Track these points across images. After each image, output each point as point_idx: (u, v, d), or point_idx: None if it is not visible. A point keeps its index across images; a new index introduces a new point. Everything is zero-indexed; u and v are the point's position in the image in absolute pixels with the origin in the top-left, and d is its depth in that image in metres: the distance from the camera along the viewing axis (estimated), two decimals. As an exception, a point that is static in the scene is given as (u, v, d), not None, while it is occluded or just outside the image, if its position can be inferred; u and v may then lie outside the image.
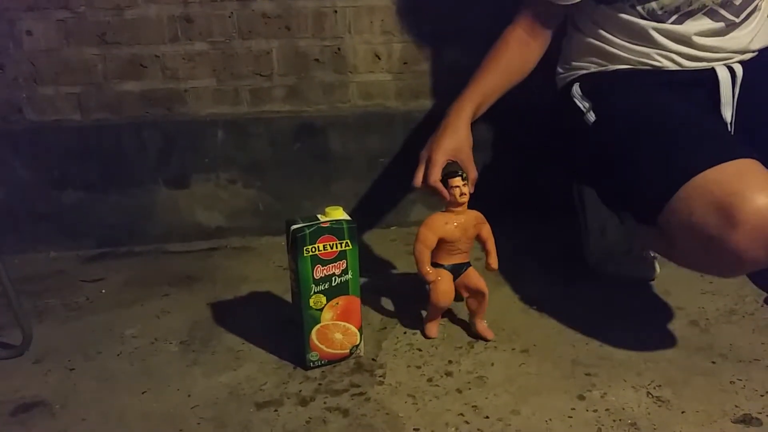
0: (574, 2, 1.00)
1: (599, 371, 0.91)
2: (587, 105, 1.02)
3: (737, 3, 0.97)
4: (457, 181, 0.95)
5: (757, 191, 0.76)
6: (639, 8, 0.98)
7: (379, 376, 0.92)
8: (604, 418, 0.82)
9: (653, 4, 0.97)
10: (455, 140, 0.99)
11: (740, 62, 1.02)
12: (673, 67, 1.01)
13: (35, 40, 1.29)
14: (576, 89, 1.05)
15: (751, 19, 1.00)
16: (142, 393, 0.90)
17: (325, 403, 0.87)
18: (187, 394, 0.89)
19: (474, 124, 1.04)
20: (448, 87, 1.37)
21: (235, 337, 1.03)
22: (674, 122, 0.92)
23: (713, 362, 0.93)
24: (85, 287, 1.21)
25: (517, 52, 1.06)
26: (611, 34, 1.03)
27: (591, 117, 1.00)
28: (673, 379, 0.89)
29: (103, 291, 1.20)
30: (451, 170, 0.96)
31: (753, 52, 1.03)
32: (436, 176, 0.96)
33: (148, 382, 0.92)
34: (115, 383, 0.93)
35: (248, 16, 1.32)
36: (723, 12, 0.98)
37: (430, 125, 1.37)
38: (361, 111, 1.39)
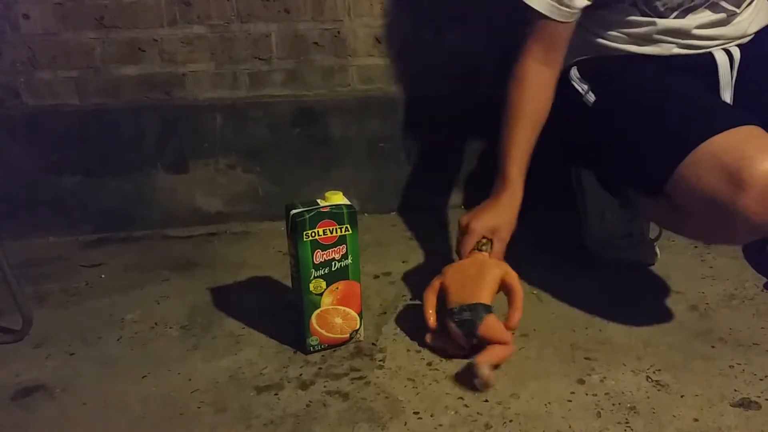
0: (575, 18, 0.97)
1: (598, 355, 0.91)
2: (585, 87, 1.02)
3: None
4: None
5: (764, 154, 0.78)
6: (642, 6, 0.98)
7: (379, 360, 0.92)
8: (603, 401, 0.82)
9: (657, 3, 0.97)
10: (498, 220, 0.99)
11: (738, 45, 1.02)
12: (672, 53, 1.01)
13: (32, 23, 1.28)
14: (574, 72, 1.04)
15: (751, 5, 1.00)
16: (143, 377, 0.90)
17: (325, 386, 0.87)
18: (187, 379, 0.90)
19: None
20: (449, 71, 1.37)
21: (235, 321, 1.03)
22: (677, 96, 0.93)
23: (713, 347, 0.93)
24: (85, 272, 1.21)
25: (539, 92, 1.00)
26: (610, 31, 1.03)
27: (591, 97, 1.00)
28: (672, 363, 0.89)
29: (103, 276, 1.20)
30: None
31: (750, 35, 1.03)
32: (467, 248, 0.98)
33: (149, 366, 0.93)
34: (115, 368, 0.93)
35: (247, -1, 1.31)
36: (724, 4, 0.98)
37: (430, 109, 1.38)
38: (361, 95, 1.38)
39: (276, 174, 1.39)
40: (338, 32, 1.35)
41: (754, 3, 1.01)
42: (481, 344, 0.89)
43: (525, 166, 1.01)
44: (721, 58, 1.00)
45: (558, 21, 0.95)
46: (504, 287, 0.94)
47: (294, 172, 1.39)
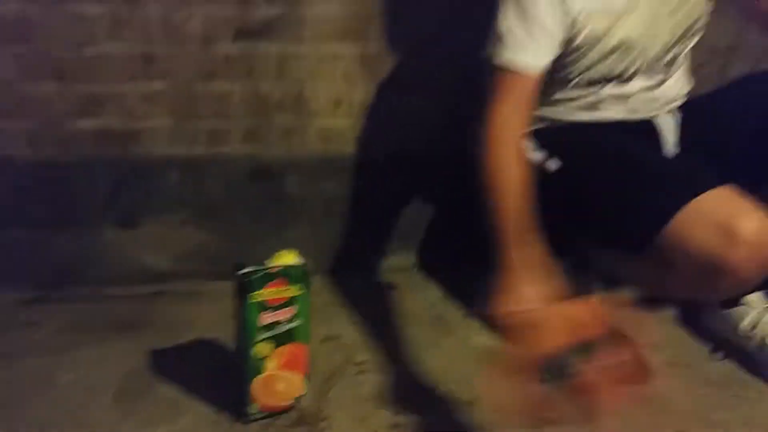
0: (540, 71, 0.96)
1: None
2: (542, 155, 1.04)
3: (667, 59, 1.04)
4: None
5: (751, 212, 0.83)
6: (581, 78, 1.03)
7: (322, 429, 0.89)
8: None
9: (597, 72, 1.02)
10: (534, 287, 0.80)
11: (675, 110, 1.10)
12: (618, 118, 1.06)
13: (-10, 72, 1.27)
14: (526, 143, 1.06)
15: (678, 71, 1.09)
16: (71, 445, 0.85)
17: (264, 458, 0.83)
18: (117, 448, 0.85)
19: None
20: (408, 134, 1.39)
21: (174, 387, 0.98)
22: (647, 157, 0.98)
23: (653, 415, 0.93)
24: (19, 332, 1.15)
25: (517, 162, 0.92)
26: (557, 102, 1.07)
27: (552, 165, 1.02)
28: (616, 433, 0.87)
29: (38, 336, 1.14)
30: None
31: (681, 98, 1.11)
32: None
33: (79, 433, 0.88)
34: (43, 434, 0.88)
35: (211, 57, 1.31)
36: (657, 69, 1.05)
37: (388, 171, 1.39)
38: (319, 155, 1.38)
39: (230, 231, 1.36)
40: (300, 93, 1.36)
41: (681, 69, 1.09)
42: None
43: (530, 234, 0.87)
44: (661, 122, 1.08)
45: (526, 74, 0.95)
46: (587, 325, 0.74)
47: (249, 231, 1.37)
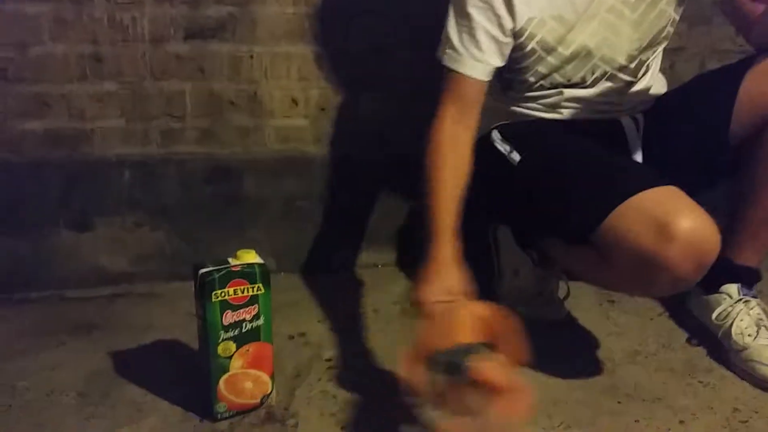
0: (488, 77, 1.00)
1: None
2: (508, 147, 1.06)
3: (632, 66, 1.06)
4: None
5: (688, 212, 0.84)
6: (543, 82, 1.06)
7: (291, 426, 0.89)
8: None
9: (557, 78, 1.05)
10: (450, 280, 0.89)
11: (642, 111, 1.12)
12: (581, 118, 1.09)
13: (-72, 72, 1.22)
14: (495, 134, 1.09)
15: (646, 75, 1.10)
16: (32, 451, 0.83)
17: (233, 455, 0.83)
18: (82, 451, 0.83)
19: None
20: (365, 133, 1.40)
21: (137, 388, 0.97)
22: (600, 154, 0.99)
23: (619, 402, 0.96)
24: (-28, 337, 1.12)
25: (457, 157, 0.98)
26: (522, 101, 1.10)
27: (515, 156, 1.05)
28: (581, 419, 0.91)
29: (-7, 341, 1.11)
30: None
31: (650, 101, 1.13)
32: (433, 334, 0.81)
33: (41, 437, 0.86)
34: (3, 440, 0.85)
35: (161, 56, 1.30)
36: (621, 75, 1.07)
37: (348, 170, 1.40)
38: (277, 155, 1.38)
39: (187, 232, 1.35)
40: (255, 93, 1.35)
41: (650, 73, 1.10)
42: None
43: (455, 232, 0.94)
44: (627, 123, 1.11)
45: (472, 77, 0.98)
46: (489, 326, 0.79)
47: (206, 232, 1.35)
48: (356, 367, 1.04)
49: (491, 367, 0.73)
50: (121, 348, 1.08)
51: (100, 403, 0.93)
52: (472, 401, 0.72)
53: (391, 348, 1.09)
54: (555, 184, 0.99)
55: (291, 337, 1.12)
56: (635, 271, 0.88)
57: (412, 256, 1.42)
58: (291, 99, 1.37)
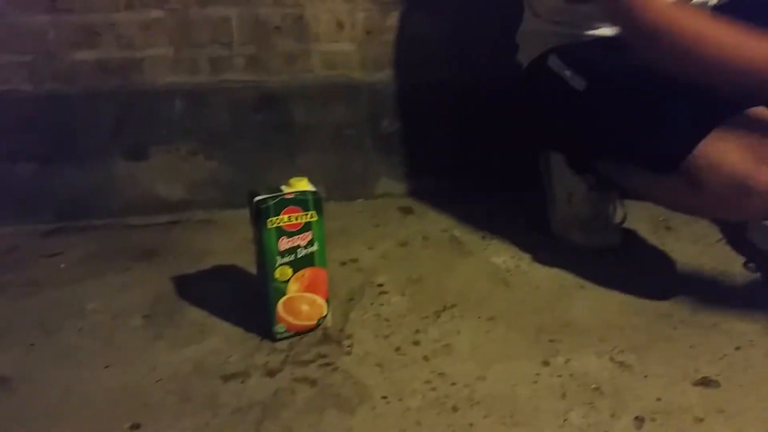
0: None
1: (563, 338, 0.93)
2: (569, 72, 1.03)
3: None
4: None
5: None
6: None
7: (347, 347, 0.92)
8: (568, 383, 0.83)
9: None
10: None
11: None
12: None
13: (-20, 4, 1.23)
14: (552, 60, 1.05)
15: None
16: (105, 368, 0.88)
17: (292, 374, 0.86)
18: (151, 368, 0.88)
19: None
20: (412, 57, 1.37)
21: (200, 310, 1.01)
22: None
23: (674, 328, 0.95)
24: (44, 262, 1.17)
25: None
26: (585, 16, 1.04)
27: (580, 82, 1.01)
28: (635, 344, 0.91)
29: (63, 266, 1.16)
30: None
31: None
32: None
33: (111, 356, 0.90)
34: (76, 358, 0.90)
35: (206, -18, 1.28)
36: None
37: (394, 96, 1.38)
38: (324, 81, 1.37)
39: (238, 161, 1.37)
40: (300, 17, 1.33)
41: None
42: None
43: None
44: None
45: None
46: None
47: (257, 159, 1.37)
48: (407, 291, 1.05)
49: None
50: (182, 273, 1.12)
51: (165, 325, 0.98)
52: None
53: (441, 274, 1.10)
54: (633, 110, 0.95)
55: (343, 263, 1.14)
56: (726, 197, 0.87)
57: (461, 183, 1.43)
58: (337, 22, 1.34)
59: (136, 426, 0.78)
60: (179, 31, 1.30)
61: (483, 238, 1.22)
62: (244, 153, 1.36)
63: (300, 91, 1.36)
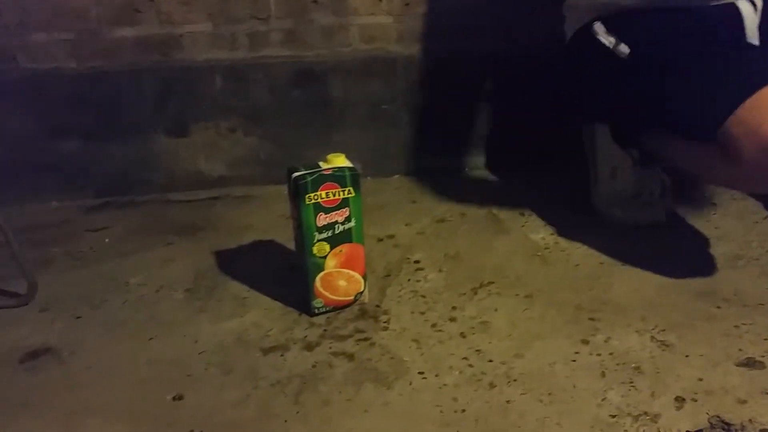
0: None
1: (603, 316, 0.91)
2: (614, 40, 1.01)
3: None
4: None
5: None
6: None
7: (384, 322, 0.93)
8: (607, 361, 0.82)
9: None
10: None
11: None
12: (696, 3, 1.01)
13: (24, -17, 1.26)
14: (598, 27, 1.03)
15: None
16: (149, 339, 0.91)
17: (330, 348, 0.88)
18: (194, 341, 0.90)
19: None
20: (450, 30, 1.35)
21: (240, 284, 1.03)
22: (722, 44, 0.94)
23: (718, 307, 0.93)
24: (89, 236, 1.21)
25: None
26: None
27: (624, 49, 0.99)
28: (677, 323, 0.89)
29: (107, 240, 1.20)
30: None
31: None
32: None
33: (155, 329, 0.93)
34: (121, 330, 0.94)
35: (244, -44, 1.28)
36: None
37: (433, 69, 1.36)
38: (362, 55, 1.36)
39: (277, 137, 1.37)
40: (338, -10, 1.32)
41: None
42: None
43: None
44: (745, 8, 1.01)
45: None
46: None
47: (295, 135, 1.37)
48: (444, 268, 1.05)
49: None
50: (223, 247, 1.14)
51: (206, 298, 1.00)
52: None
53: (478, 250, 1.09)
54: (674, 78, 0.93)
55: (380, 240, 1.15)
56: (762, 167, 0.84)
57: (499, 158, 1.42)
58: (376, -6, 1.33)
59: (180, 397, 0.80)
60: (217, 6, 1.31)
61: (521, 214, 1.21)
62: (282, 129, 1.37)
63: (337, 66, 1.36)
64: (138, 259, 1.12)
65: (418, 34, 1.35)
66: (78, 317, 0.97)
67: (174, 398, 0.80)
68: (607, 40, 1.01)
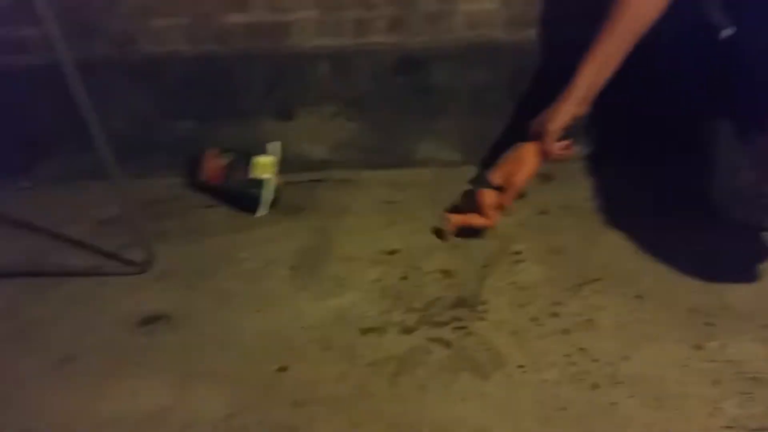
0: None
1: (719, 321, 0.86)
2: (723, 22, 0.96)
3: None
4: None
5: None
6: None
7: (481, 312, 0.92)
8: (722, 369, 0.78)
9: None
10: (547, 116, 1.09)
11: None
12: None
13: (147, -28, 1.32)
14: (715, 16, 0.96)
15: None
16: (256, 311, 0.95)
17: (427, 333, 0.88)
18: (297, 316, 0.93)
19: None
20: (557, 15, 1.30)
21: (340, 265, 1.05)
22: None
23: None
24: (201, 212, 1.27)
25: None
26: None
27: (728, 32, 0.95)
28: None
29: (217, 217, 1.25)
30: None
31: None
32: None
33: (261, 302, 0.97)
34: (230, 301, 0.98)
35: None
36: None
37: (538, 57, 1.32)
38: (466, 42, 1.34)
39: (378, 123, 1.38)
40: (445, -25, 1.30)
41: None
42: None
43: (599, 80, 1.07)
44: None
45: None
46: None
47: (396, 121, 1.37)
48: (546, 261, 1.03)
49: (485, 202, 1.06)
50: (325, 228, 1.17)
51: (309, 276, 1.03)
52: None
53: (583, 245, 1.06)
54: None
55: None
56: None
57: (606, 149, 1.36)
58: (483, -21, 1.30)
59: (284, 368, 0.83)
60: (325, -7, 1.33)
61: (629, 208, 1.16)
62: (383, 115, 1.38)
63: (441, 53, 1.34)
64: (246, 235, 1.17)
65: (524, 21, 1.31)
66: (190, 287, 1.02)
67: (278, 369, 0.83)
68: (720, 26, 0.95)
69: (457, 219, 1.09)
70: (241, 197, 1.24)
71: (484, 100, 1.36)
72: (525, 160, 1.07)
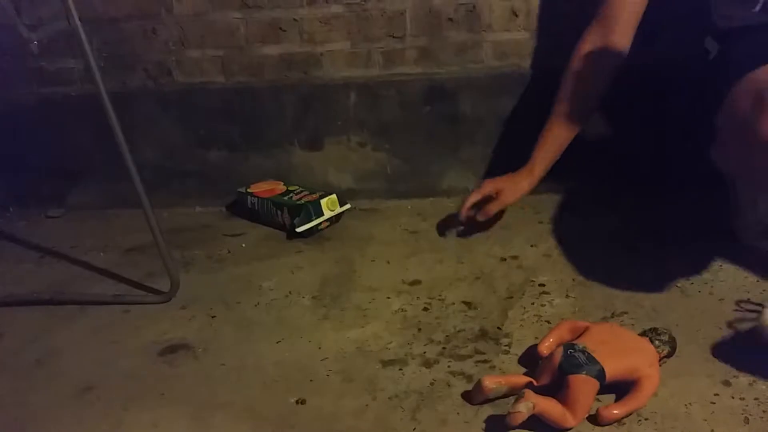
0: None
1: (748, 357, 0.83)
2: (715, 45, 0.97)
3: None
4: None
5: None
6: None
7: (504, 345, 0.91)
8: (752, 407, 0.75)
9: None
10: (506, 184, 1.18)
11: None
12: None
13: (184, 5, 1.37)
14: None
15: None
16: (277, 342, 0.95)
17: (449, 366, 0.87)
18: (317, 347, 0.93)
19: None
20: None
21: (363, 295, 1.05)
22: None
23: None
24: (228, 241, 1.29)
25: (587, 77, 1.12)
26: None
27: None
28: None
29: (243, 245, 1.27)
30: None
31: None
32: (468, 201, 1.17)
33: (283, 332, 0.98)
34: (252, 331, 0.99)
35: (383, -24, 1.31)
36: None
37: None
38: (494, 72, 1.34)
39: (405, 152, 1.39)
40: (473, 7, 1.31)
41: None
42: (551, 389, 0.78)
43: (552, 153, 1.17)
44: None
45: None
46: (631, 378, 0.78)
47: (423, 151, 1.38)
48: (572, 294, 1.01)
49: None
50: (348, 258, 1.17)
51: (331, 306, 1.03)
52: None
53: (609, 277, 1.03)
54: None
55: (503, 260, 1.12)
56: None
57: (634, 181, 1.34)
58: (511, 11, 1.31)
59: (302, 401, 0.83)
60: (357, 25, 1.35)
61: (657, 240, 1.13)
62: (410, 145, 1.39)
63: (469, 83, 1.35)
64: (270, 264, 1.18)
65: (552, 51, 1.31)
66: (213, 316, 1.04)
67: (297, 401, 0.83)
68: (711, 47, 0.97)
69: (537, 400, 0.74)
70: (299, 208, 1.25)
71: (511, 129, 1.35)
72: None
